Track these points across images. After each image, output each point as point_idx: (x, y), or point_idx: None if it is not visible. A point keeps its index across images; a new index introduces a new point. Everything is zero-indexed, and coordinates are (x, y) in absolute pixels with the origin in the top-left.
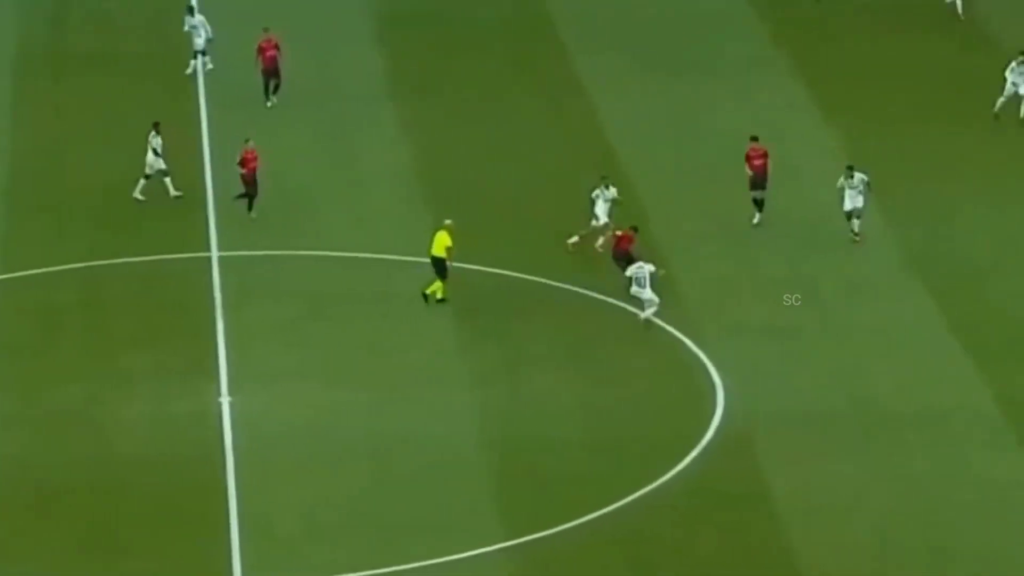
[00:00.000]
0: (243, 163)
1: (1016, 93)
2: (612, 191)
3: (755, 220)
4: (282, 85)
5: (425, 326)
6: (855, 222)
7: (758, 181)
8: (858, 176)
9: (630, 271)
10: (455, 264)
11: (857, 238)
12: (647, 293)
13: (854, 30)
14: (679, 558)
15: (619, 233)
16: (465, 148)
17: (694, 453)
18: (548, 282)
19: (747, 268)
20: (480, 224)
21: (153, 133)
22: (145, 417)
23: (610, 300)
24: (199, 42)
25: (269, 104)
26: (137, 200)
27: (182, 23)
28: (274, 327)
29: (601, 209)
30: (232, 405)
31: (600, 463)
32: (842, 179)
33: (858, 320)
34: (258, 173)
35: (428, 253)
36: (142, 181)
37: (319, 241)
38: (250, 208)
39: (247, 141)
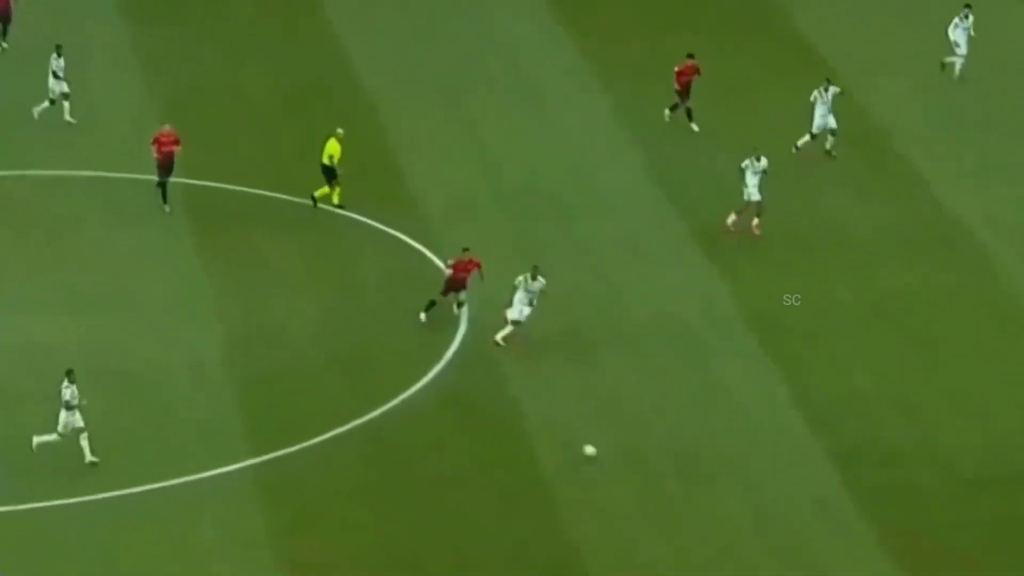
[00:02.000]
0: (156, 143)
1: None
2: (763, 162)
3: (694, 128)
4: (12, 28)
5: (166, 246)
6: (807, 138)
7: (683, 93)
8: (832, 90)
9: (530, 287)
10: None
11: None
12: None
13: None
14: (428, 469)
15: (461, 261)
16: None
17: (440, 365)
18: (289, 198)
19: (489, 180)
20: (219, 139)
21: (55, 55)
22: None
23: (349, 215)
24: None
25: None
26: (34, 117)
27: None
28: (9, 251)
29: (752, 183)
30: None
31: (347, 377)
32: (816, 92)
33: (603, 233)
34: (175, 158)
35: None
36: (45, 103)
37: (52, 160)
38: (164, 199)
39: (163, 124)
